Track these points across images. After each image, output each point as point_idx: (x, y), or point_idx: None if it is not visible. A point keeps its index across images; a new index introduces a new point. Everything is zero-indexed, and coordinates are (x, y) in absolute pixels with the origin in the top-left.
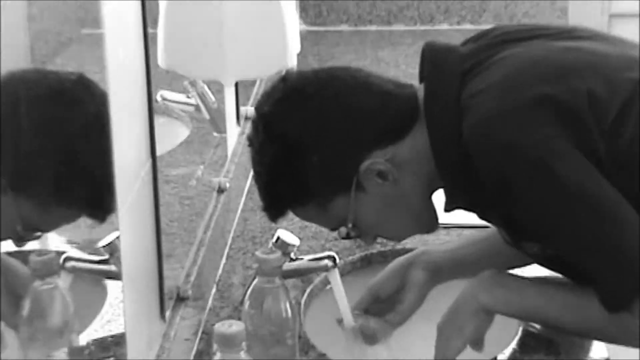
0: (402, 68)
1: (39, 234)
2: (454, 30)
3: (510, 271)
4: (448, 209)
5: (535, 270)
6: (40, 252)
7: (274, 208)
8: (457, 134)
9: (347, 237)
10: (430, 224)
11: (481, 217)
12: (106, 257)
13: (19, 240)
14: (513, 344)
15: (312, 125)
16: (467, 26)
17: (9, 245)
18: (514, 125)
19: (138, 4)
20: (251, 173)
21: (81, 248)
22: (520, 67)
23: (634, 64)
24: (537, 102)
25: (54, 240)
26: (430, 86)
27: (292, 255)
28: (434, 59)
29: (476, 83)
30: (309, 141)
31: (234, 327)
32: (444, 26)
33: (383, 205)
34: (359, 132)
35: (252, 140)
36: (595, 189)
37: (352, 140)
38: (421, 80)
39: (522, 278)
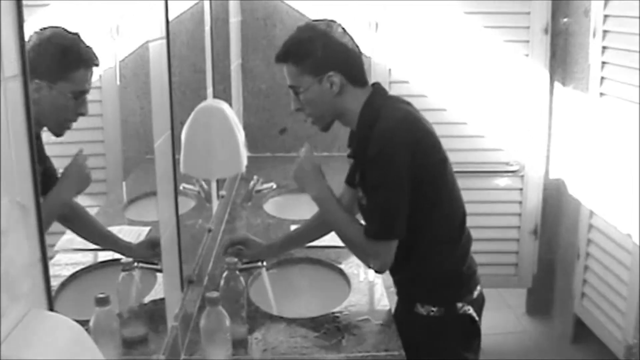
0: None
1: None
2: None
3: None
4: (349, 155)
5: None
6: (125, 260)
7: (286, 56)
8: (373, 123)
9: (294, 94)
10: (322, 125)
11: (355, 165)
12: (156, 262)
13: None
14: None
15: (334, 46)
16: None
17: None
18: (392, 141)
19: (170, 147)
20: (225, 220)
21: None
22: (404, 115)
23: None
24: (405, 140)
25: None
26: (373, 97)
27: (244, 260)
28: (380, 88)
29: (387, 110)
30: (323, 52)
31: (215, 294)
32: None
33: (318, 95)
34: (343, 64)
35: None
36: (398, 185)
37: (339, 63)
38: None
39: (338, 205)
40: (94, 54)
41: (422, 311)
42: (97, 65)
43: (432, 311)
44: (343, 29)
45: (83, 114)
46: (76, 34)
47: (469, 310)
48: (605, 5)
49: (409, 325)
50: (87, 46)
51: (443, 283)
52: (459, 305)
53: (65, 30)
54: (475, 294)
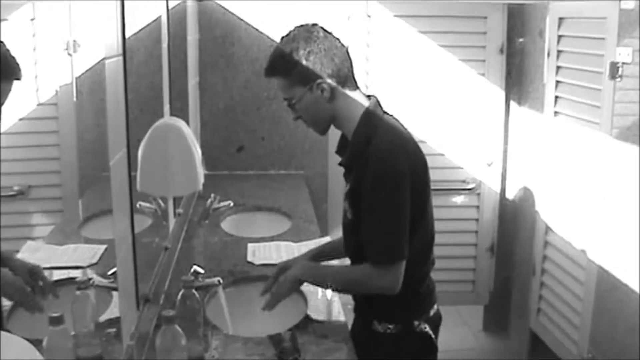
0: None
1: None
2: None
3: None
4: (342, 163)
5: None
6: (81, 279)
7: (273, 70)
8: (369, 139)
9: (289, 106)
10: (320, 131)
11: (345, 175)
12: (112, 280)
13: None
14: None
15: (317, 52)
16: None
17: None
18: (396, 162)
19: (126, 164)
20: (181, 239)
21: (100, 275)
22: (402, 137)
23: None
24: (405, 162)
25: (89, 272)
26: (371, 112)
27: (200, 278)
28: (377, 103)
29: (385, 129)
30: (307, 62)
31: (171, 312)
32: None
33: (311, 103)
34: (328, 69)
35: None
36: (402, 207)
37: (324, 69)
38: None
39: (324, 266)
40: (19, 67)
41: (379, 328)
42: (20, 79)
43: (389, 329)
44: (325, 31)
45: None
46: (2, 43)
47: (425, 328)
48: (560, 26)
49: (366, 342)
50: (13, 58)
51: (400, 302)
52: (416, 323)
53: None
54: (432, 312)
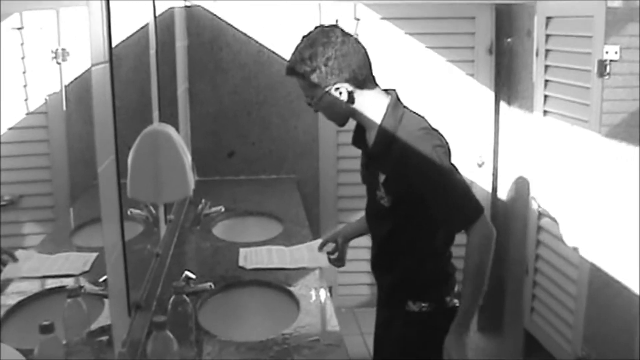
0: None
1: None
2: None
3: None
4: (368, 153)
5: None
6: (71, 287)
7: (293, 71)
8: (395, 130)
9: (309, 105)
10: (338, 124)
11: (371, 164)
12: (103, 287)
13: None
14: None
15: (335, 58)
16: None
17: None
18: (427, 141)
19: (114, 171)
20: (173, 245)
21: (91, 282)
22: (419, 120)
23: None
24: (433, 137)
25: (81, 280)
26: (394, 110)
27: (191, 284)
28: (398, 100)
29: (407, 116)
30: (325, 67)
31: (162, 318)
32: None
33: (329, 104)
34: (347, 73)
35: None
36: (453, 171)
37: (343, 73)
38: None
39: (461, 305)
40: None
41: (414, 308)
42: None
43: (424, 307)
44: (344, 33)
45: None
46: None
47: (457, 303)
48: (547, 25)
49: (400, 323)
50: None
51: (433, 281)
52: (447, 299)
53: None
54: (456, 289)
